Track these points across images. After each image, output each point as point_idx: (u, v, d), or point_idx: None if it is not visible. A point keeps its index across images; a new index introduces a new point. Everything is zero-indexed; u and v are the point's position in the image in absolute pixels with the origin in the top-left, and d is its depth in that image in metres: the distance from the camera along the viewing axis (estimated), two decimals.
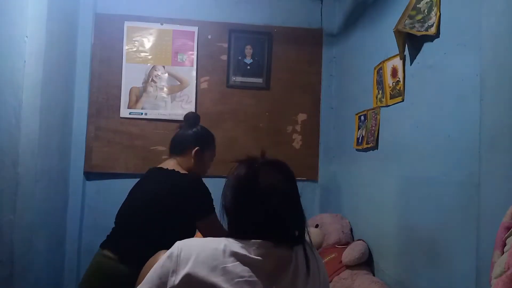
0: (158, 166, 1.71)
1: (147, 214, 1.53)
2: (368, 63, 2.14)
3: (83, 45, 2.55)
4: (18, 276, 1.75)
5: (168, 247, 1.44)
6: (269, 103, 2.76)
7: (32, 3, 1.79)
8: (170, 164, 1.69)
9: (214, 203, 1.59)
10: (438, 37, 1.50)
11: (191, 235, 1.60)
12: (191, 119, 1.78)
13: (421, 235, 1.58)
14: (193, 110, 2.67)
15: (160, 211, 1.52)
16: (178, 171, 1.63)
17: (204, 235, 1.56)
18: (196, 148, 1.69)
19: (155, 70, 2.67)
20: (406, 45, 1.72)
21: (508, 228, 0.89)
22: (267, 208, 0.99)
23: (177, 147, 1.74)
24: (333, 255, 2.08)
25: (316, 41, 2.82)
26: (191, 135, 1.73)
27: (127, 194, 1.69)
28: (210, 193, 1.60)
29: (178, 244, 0.98)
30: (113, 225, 1.64)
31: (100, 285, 1.47)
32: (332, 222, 2.27)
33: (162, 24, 2.69)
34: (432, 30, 1.51)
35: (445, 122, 1.44)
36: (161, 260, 0.97)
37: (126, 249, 1.48)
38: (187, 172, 1.65)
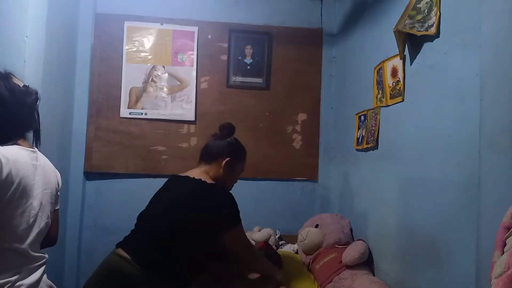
0: (183, 175, 1.65)
1: (170, 223, 1.49)
2: (368, 63, 2.15)
3: (83, 45, 2.55)
4: None
5: (186, 259, 1.49)
6: (269, 103, 2.76)
7: (32, 3, 1.79)
8: (196, 172, 1.64)
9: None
10: (438, 37, 1.50)
11: (211, 247, 1.57)
12: (226, 129, 1.74)
13: (421, 235, 1.58)
14: (193, 110, 2.67)
15: (184, 220, 1.48)
16: (204, 181, 1.58)
17: (232, 247, 1.61)
18: (228, 159, 1.65)
19: (155, 70, 2.67)
20: (406, 45, 1.72)
21: (508, 228, 0.89)
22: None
23: (208, 156, 1.69)
24: (333, 255, 2.08)
25: (316, 41, 2.82)
26: (225, 145, 1.69)
27: (151, 198, 1.66)
28: (236, 204, 1.59)
29: None
30: (133, 227, 1.60)
31: (111, 283, 1.41)
32: (332, 222, 2.27)
33: (162, 24, 2.69)
34: (432, 30, 1.51)
35: (445, 122, 1.44)
36: None
37: (144, 255, 1.43)
38: (213, 182, 1.61)
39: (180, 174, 1.68)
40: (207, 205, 1.51)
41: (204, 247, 1.54)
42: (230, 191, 1.65)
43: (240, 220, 1.60)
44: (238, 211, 1.60)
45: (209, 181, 1.60)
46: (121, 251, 1.44)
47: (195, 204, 1.51)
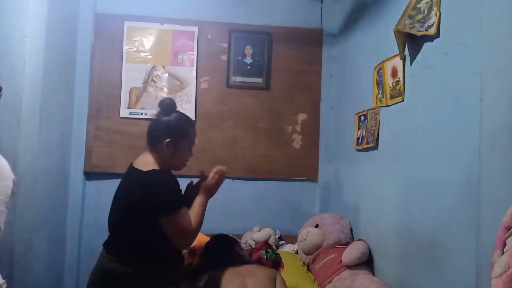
0: (131, 164, 1.61)
1: (121, 218, 1.54)
2: (368, 63, 2.14)
3: (83, 45, 2.55)
4: (18, 276, 1.75)
5: (148, 244, 1.49)
6: (269, 103, 2.76)
7: (32, 3, 1.79)
8: (141, 160, 1.59)
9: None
10: (438, 37, 1.50)
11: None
12: (166, 105, 1.61)
13: (421, 235, 1.58)
14: (193, 110, 2.67)
15: (129, 213, 1.49)
16: (140, 170, 1.53)
17: (168, 234, 1.48)
18: (168, 140, 1.54)
19: (155, 70, 2.66)
20: (406, 45, 1.72)
21: (508, 228, 0.89)
22: None
23: (149, 140, 1.61)
24: (333, 255, 2.08)
25: (316, 41, 2.82)
26: (162, 125, 1.58)
27: None
28: (171, 190, 1.50)
29: None
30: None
31: (104, 282, 1.51)
32: (332, 222, 2.27)
33: (162, 24, 2.69)
34: (432, 30, 1.51)
35: (445, 122, 1.44)
36: None
37: (116, 250, 1.53)
38: (153, 169, 1.52)
39: (132, 163, 1.63)
40: (140, 195, 1.47)
41: (161, 236, 1.49)
42: (171, 177, 1.55)
43: (174, 207, 1.47)
44: (171, 198, 1.48)
45: (147, 168, 1.52)
46: (103, 252, 1.55)
47: (133, 196, 1.50)
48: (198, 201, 1.60)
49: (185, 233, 1.51)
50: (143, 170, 1.51)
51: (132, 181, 1.54)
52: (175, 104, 1.63)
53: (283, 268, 2.15)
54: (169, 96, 2.65)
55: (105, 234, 1.65)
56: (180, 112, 1.64)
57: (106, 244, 1.58)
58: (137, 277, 1.47)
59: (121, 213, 1.54)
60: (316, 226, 2.30)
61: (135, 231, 1.50)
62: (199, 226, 1.56)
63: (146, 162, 1.56)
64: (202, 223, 1.58)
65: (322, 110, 2.81)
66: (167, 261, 1.54)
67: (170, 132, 1.56)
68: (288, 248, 2.51)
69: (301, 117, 2.79)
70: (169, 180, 1.53)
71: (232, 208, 2.68)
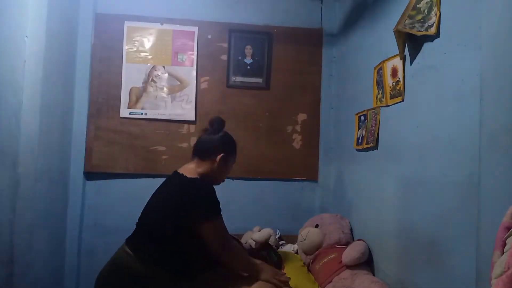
0: (176, 170, 1.72)
1: (157, 218, 1.60)
2: (368, 63, 2.14)
3: (83, 45, 2.55)
4: (18, 276, 1.75)
5: (178, 249, 1.55)
6: (269, 103, 2.76)
7: (32, 3, 1.79)
8: (187, 168, 1.70)
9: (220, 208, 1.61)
10: (438, 37, 1.50)
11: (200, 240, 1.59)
12: (216, 124, 1.76)
13: (421, 235, 1.58)
14: (193, 110, 2.67)
15: (168, 215, 1.57)
16: (185, 176, 1.64)
17: (207, 242, 1.57)
18: (222, 154, 1.69)
19: (155, 70, 2.67)
20: (406, 45, 1.72)
21: (508, 228, 0.89)
22: None
23: (201, 152, 1.73)
24: (333, 255, 2.08)
25: (316, 41, 2.82)
26: (218, 140, 1.72)
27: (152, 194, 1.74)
28: (214, 199, 1.60)
29: None
30: (133, 226, 1.70)
31: (117, 277, 1.54)
32: (332, 222, 2.27)
33: (162, 24, 2.69)
34: (432, 30, 1.51)
35: (445, 122, 1.44)
36: None
37: (141, 249, 1.56)
38: (197, 177, 1.65)
39: (176, 170, 1.73)
40: (183, 199, 1.56)
41: (193, 242, 1.57)
42: (213, 186, 1.65)
43: (216, 215, 1.59)
44: (215, 206, 1.59)
45: (191, 175, 1.63)
46: (125, 247, 1.57)
47: (175, 199, 1.58)
48: (255, 259, 1.76)
49: (223, 239, 1.61)
50: (188, 177, 1.62)
51: (176, 185, 1.64)
52: (224, 122, 1.78)
53: (283, 269, 2.15)
54: (169, 95, 2.65)
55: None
56: (227, 131, 1.78)
57: (129, 239, 1.63)
58: (150, 278, 1.51)
59: (158, 214, 1.61)
60: (316, 226, 2.30)
61: (166, 235, 1.55)
62: (234, 248, 1.70)
63: (191, 170, 1.67)
64: (237, 256, 1.70)
65: (322, 110, 2.81)
66: (184, 270, 1.59)
67: (225, 148, 1.71)
68: (288, 248, 2.51)
69: (301, 117, 2.79)
70: (211, 188, 1.62)
71: (232, 208, 2.68)
